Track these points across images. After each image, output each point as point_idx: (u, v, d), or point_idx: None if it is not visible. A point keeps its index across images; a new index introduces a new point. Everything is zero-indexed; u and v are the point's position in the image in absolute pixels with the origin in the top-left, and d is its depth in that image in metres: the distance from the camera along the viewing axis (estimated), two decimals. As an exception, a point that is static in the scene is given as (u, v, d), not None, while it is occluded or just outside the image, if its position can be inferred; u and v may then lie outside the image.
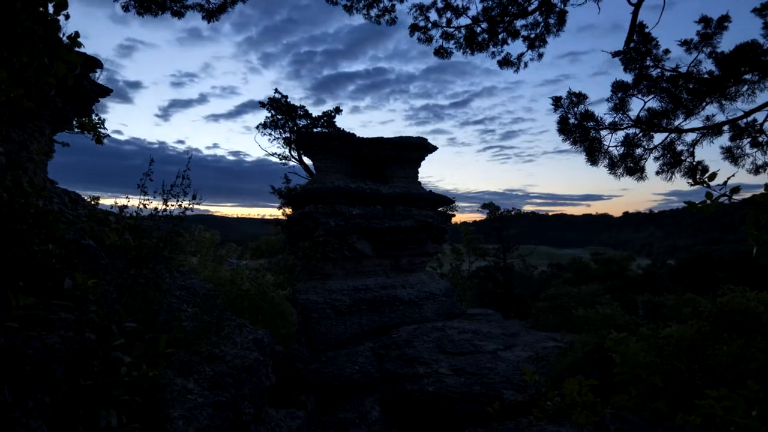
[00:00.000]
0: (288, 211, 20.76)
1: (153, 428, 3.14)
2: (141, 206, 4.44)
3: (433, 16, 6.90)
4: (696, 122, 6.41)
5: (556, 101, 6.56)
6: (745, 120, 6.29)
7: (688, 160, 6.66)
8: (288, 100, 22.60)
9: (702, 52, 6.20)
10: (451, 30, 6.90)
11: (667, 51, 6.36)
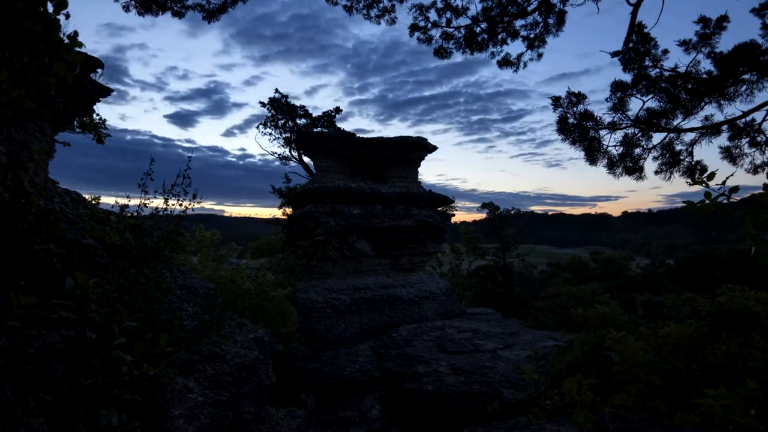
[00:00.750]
0: (288, 210, 20.77)
1: (154, 427, 3.16)
2: (142, 205, 4.46)
3: (432, 16, 6.92)
4: (695, 122, 6.44)
5: (556, 101, 6.58)
6: (743, 120, 6.31)
7: (686, 159, 6.68)
8: (288, 99, 22.60)
9: (701, 52, 6.22)
10: (451, 30, 6.92)
11: (666, 51, 6.38)
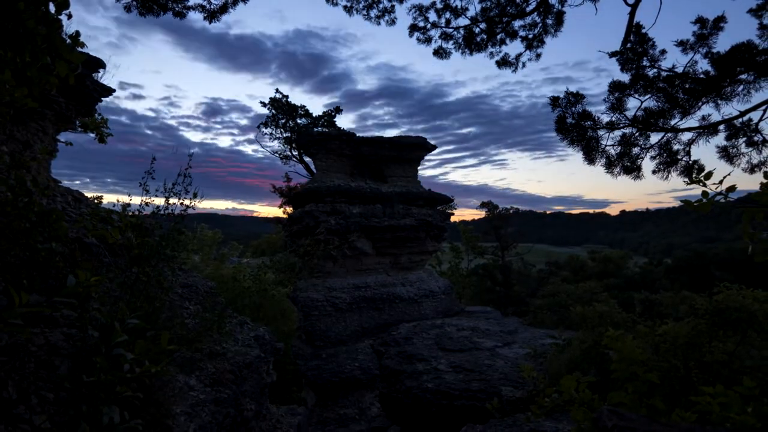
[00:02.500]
0: (289, 209, 20.79)
1: (155, 424, 3.18)
2: (143, 204, 4.49)
3: (432, 16, 6.95)
4: (692, 122, 6.48)
5: (554, 101, 6.61)
6: (740, 119, 6.34)
7: (684, 159, 6.72)
8: (288, 99, 22.59)
9: (698, 52, 6.25)
10: (450, 30, 6.96)
11: (663, 51, 6.41)
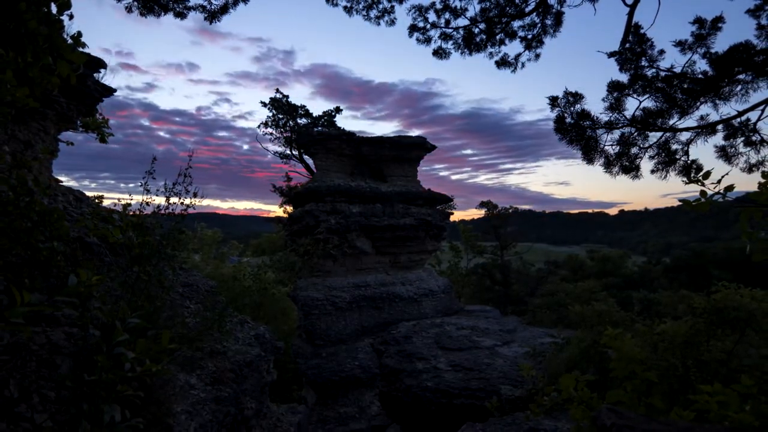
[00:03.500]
0: (289, 209, 20.79)
1: (156, 423, 3.19)
2: (144, 204, 4.51)
3: (431, 17, 6.97)
4: (690, 121, 6.50)
5: (553, 101, 6.63)
6: (738, 119, 6.36)
7: (682, 158, 6.74)
8: (289, 99, 22.59)
9: (696, 52, 6.27)
10: (450, 31, 6.97)
11: (662, 51, 6.43)
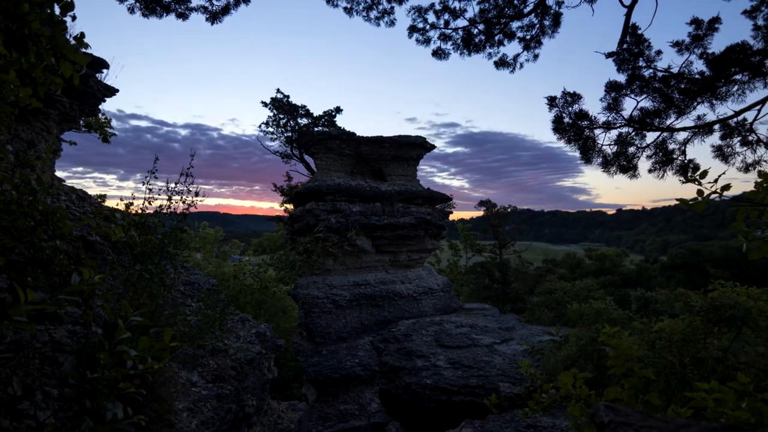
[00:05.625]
0: (290, 208, 20.82)
1: (158, 420, 3.23)
2: (146, 203, 4.55)
3: (431, 18, 7.01)
4: (687, 121, 6.56)
5: (551, 101, 6.69)
6: (735, 119, 6.42)
7: (679, 158, 6.80)
8: (289, 99, 22.58)
9: (693, 53, 6.33)
10: (449, 31, 7.01)
11: (659, 52, 6.49)
